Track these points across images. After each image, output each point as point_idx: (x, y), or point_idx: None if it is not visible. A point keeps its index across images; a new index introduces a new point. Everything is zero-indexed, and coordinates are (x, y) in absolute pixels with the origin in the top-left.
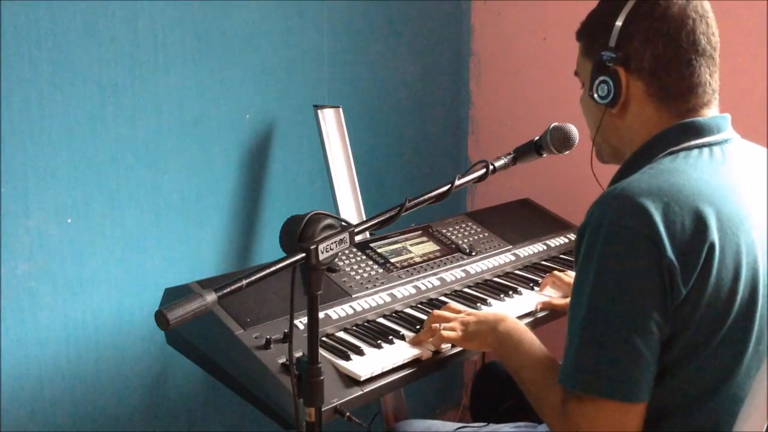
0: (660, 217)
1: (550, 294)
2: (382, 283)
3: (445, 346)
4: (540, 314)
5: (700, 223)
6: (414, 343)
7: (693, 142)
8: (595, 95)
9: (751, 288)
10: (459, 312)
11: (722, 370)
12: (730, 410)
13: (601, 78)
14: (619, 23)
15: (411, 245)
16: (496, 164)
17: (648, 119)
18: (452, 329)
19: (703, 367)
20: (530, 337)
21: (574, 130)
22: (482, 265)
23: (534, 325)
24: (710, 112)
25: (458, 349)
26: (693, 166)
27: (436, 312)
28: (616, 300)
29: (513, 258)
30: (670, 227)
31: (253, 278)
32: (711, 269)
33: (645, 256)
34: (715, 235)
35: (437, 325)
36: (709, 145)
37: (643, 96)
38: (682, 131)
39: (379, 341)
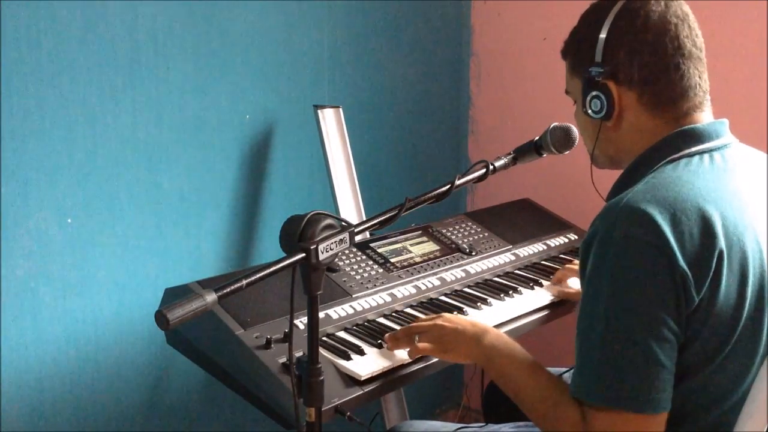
0: (668, 227)
1: (566, 287)
2: (382, 282)
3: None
4: (543, 313)
5: (707, 231)
6: (392, 348)
7: (693, 149)
8: (589, 110)
9: (758, 293)
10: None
11: (735, 375)
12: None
13: (593, 93)
14: (602, 37)
15: (411, 245)
16: (496, 164)
17: (644, 127)
18: (428, 340)
19: (717, 371)
20: (519, 349)
21: (574, 130)
22: (482, 265)
23: (537, 324)
24: (705, 116)
25: None
26: (695, 174)
27: (411, 325)
28: (634, 311)
29: (513, 258)
30: (680, 237)
31: (253, 278)
32: (721, 276)
33: (657, 265)
34: (722, 242)
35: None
36: (709, 151)
37: (636, 105)
38: (681, 138)
39: (379, 341)
